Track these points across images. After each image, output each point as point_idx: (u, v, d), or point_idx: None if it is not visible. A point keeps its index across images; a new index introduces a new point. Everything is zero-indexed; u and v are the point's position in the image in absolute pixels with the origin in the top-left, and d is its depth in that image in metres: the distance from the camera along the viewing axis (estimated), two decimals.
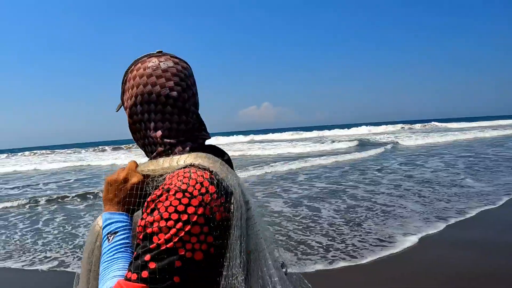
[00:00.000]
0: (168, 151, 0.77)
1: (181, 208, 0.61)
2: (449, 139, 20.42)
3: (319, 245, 4.21)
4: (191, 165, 0.69)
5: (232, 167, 0.82)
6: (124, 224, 0.72)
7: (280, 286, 0.71)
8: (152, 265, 0.60)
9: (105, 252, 0.69)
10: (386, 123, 57.68)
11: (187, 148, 0.77)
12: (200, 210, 0.62)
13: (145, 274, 0.59)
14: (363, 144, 20.22)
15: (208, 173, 0.68)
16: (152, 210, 0.63)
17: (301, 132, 40.23)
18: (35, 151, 37.30)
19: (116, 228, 0.71)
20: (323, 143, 21.81)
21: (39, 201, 7.92)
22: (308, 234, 4.66)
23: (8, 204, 7.82)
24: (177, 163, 0.71)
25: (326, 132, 38.75)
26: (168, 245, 0.60)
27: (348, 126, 48.76)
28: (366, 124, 53.32)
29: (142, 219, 0.64)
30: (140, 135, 0.82)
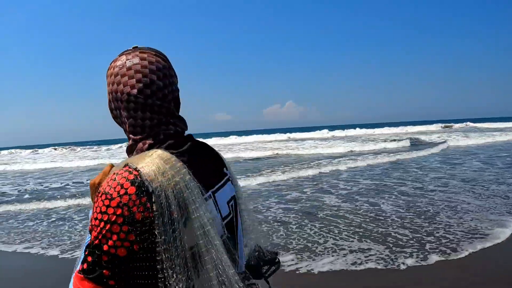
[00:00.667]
0: (134, 147, 0.81)
1: (103, 209, 0.67)
2: (502, 139, 19.14)
3: (406, 237, 4.07)
4: (126, 165, 0.73)
5: (198, 164, 0.80)
6: None
7: (238, 279, 0.72)
8: (89, 259, 0.67)
9: (82, 246, 0.78)
10: (421, 123, 55.21)
11: (146, 145, 0.79)
12: (118, 211, 0.66)
13: (85, 266, 0.67)
14: (415, 144, 18.96)
15: (134, 174, 0.70)
16: (93, 210, 0.71)
17: (336, 130, 38.16)
18: (56, 147, 37.45)
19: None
20: (371, 141, 21.12)
21: None
22: (386, 226, 4.56)
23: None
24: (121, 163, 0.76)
25: (358, 131, 36.72)
26: (95, 242, 0.67)
27: (378, 126, 45.24)
28: (397, 124, 50.10)
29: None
30: (124, 129, 0.86)
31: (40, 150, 34.70)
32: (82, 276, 0.66)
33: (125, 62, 0.81)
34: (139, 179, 0.69)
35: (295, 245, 4.06)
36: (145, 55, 0.82)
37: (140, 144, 0.80)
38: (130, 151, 0.83)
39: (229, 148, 22.71)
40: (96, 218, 0.68)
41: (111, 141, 53.60)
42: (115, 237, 0.66)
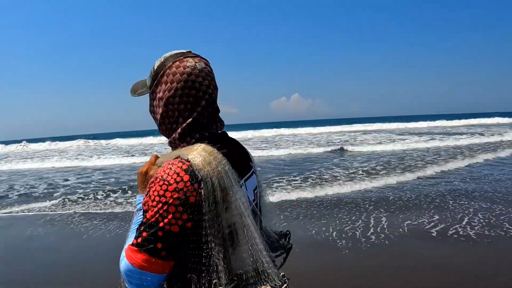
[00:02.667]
0: (186, 139, 0.95)
1: (161, 192, 0.81)
2: None
3: None
4: (178, 157, 0.86)
5: (233, 156, 0.94)
6: None
7: (265, 254, 0.86)
8: (144, 234, 0.81)
9: (133, 223, 0.92)
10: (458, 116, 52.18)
11: (193, 140, 0.94)
12: (175, 195, 0.80)
13: (139, 240, 0.81)
14: None
15: (187, 164, 0.84)
16: (147, 193, 0.84)
17: (363, 124, 37.11)
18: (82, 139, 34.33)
19: (141, 207, 0.89)
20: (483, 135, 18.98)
21: None
22: None
23: None
24: (173, 154, 0.91)
25: (391, 125, 35.13)
26: (152, 220, 0.80)
27: (405, 119, 43.19)
28: (416, 118, 46.73)
29: (144, 198, 0.85)
30: (169, 121, 0.97)
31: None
32: (136, 248, 0.80)
33: (195, 64, 0.94)
34: (191, 168, 0.83)
35: None
36: (206, 62, 0.98)
37: (188, 138, 0.94)
38: (174, 143, 0.96)
39: (284, 140, 21.81)
40: (153, 200, 0.81)
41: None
42: (170, 216, 0.79)
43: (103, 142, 31.72)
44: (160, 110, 0.96)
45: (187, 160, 0.84)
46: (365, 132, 27.84)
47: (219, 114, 1.02)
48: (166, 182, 0.81)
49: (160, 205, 0.80)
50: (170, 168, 0.83)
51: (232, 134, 1.07)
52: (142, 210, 0.86)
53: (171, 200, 0.79)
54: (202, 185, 0.81)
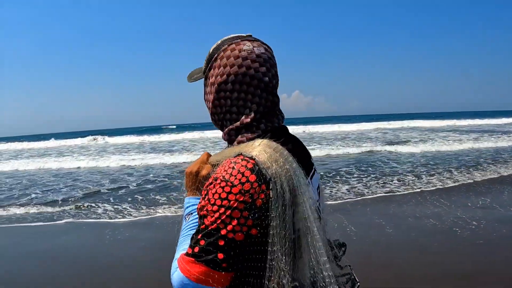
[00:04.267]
0: (245, 133, 0.85)
1: (223, 195, 0.71)
2: None
3: None
4: (239, 154, 0.76)
5: (297, 152, 0.85)
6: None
7: (328, 268, 0.75)
8: (202, 242, 0.71)
9: (182, 229, 0.84)
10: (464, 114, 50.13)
11: (255, 135, 0.83)
12: (240, 198, 0.70)
13: (196, 249, 0.72)
14: None
15: (251, 163, 0.73)
16: (205, 196, 0.74)
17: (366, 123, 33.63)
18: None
19: (192, 210, 0.84)
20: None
21: None
22: None
23: None
24: (232, 152, 0.80)
25: (405, 123, 32.05)
26: (212, 227, 0.71)
27: (407, 117, 41.64)
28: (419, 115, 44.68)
29: (199, 202, 0.76)
30: (221, 110, 0.88)
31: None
32: (193, 259, 0.71)
33: (253, 49, 0.84)
34: (257, 167, 0.73)
35: None
36: (266, 47, 0.88)
37: (247, 132, 0.84)
38: (230, 138, 0.87)
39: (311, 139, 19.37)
40: (214, 204, 0.71)
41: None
42: (234, 222, 0.70)
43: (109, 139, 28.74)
44: (211, 97, 0.88)
45: (252, 158, 0.74)
46: (397, 129, 26.16)
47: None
48: (229, 183, 0.71)
49: (222, 209, 0.71)
50: (233, 167, 0.73)
51: None
52: (193, 215, 0.82)
53: (235, 204, 0.70)
54: (270, 185, 0.72)
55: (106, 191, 7.75)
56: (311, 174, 0.90)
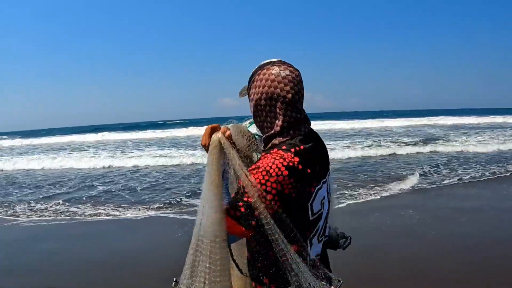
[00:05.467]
0: (277, 134, 1.08)
1: (263, 181, 0.97)
2: None
3: None
4: (280, 149, 1.02)
5: (319, 149, 1.12)
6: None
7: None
8: (242, 209, 0.99)
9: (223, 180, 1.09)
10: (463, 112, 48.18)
11: (287, 138, 1.06)
12: (274, 185, 0.97)
13: (238, 214, 0.99)
14: None
15: (288, 159, 0.99)
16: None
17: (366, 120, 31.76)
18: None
19: (227, 169, 1.10)
20: None
21: None
22: None
23: None
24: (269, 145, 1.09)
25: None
26: (252, 201, 0.97)
27: (406, 114, 39.90)
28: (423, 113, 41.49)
29: (243, 179, 0.99)
30: (260, 119, 1.12)
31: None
32: (236, 222, 1.00)
33: (280, 72, 1.07)
34: (291, 165, 0.98)
35: None
36: (292, 69, 1.09)
37: (280, 138, 1.07)
38: (267, 141, 1.10)
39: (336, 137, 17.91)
40: (255, 186, 0.97)
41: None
42: (267, 202, 0.97)
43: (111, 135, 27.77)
44: (252, 110, 1.14)
45: (288, 152, 1.01)
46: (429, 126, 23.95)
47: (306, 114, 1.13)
48: (268, 174, 0.97)
49: (260, 191, 0.97)
50: (273, 162, 0.98)
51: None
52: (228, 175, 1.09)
53: (269, 189, 0.97)
54: (297, 180, 0.99)
55: None
56: (329, 171, 1.15)
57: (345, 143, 14.23)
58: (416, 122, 28.34)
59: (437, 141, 13.55)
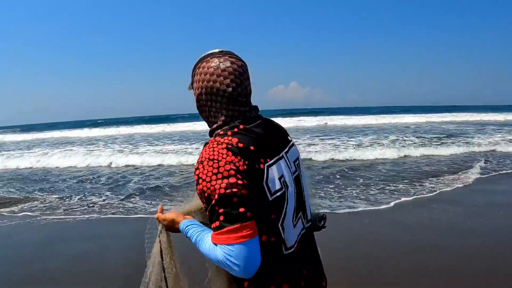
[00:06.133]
0: (220, 127, 1.02)
1: (215, 171, 0.88)
2: None
3: None
4: (216, 136, 0.98)
5: (266, 126, 1.05)
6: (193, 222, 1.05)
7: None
8: (221, 211, 0.86)
9: (192, 235, 0.99)
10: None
11: (230, 125, 1.00)
12: (227, 167, 0.88)
13: (221, 218, 0.87)
14: None
15: (226, 141, 0.93)
16: (199, 180, 0.91)
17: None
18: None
19: (189, 225, 1.03)
20: None
21: None
22: None
23: None
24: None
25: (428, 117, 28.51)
26: (221, 195, 0.86)
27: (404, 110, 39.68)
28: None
29: (197, 189, 0.91)
30: (205, 114, 1.08)
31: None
32: (226, 228, 0.86)
33: (219, 65, 1.00)
34: (229, 147, 0.92)
35: None
36: (233, 59, 1.02)
37: (226, 127, 1.00)
38: (212, 134, 1.05)
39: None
40: (210, 180, 0.89)
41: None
42: (234, 183, 0.88)
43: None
44: (196, 104, 1.09)
45: (222, 143, 0.96)
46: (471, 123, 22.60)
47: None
48: (214, 161, 0.91)
49: (219, 180, 0.89)
50: (213, 150, 0.93)
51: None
52: (193, 225, 1.02)
53: (228, 172, 0.90)
54: (243, 157, 0.92)
55: None
56: (286, 149, 1.06)
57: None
58: (427, 118, 27.58)
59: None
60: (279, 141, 1.05)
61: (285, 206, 0.98)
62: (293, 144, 1.12)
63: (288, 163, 1.03)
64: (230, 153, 0.90)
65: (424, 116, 29.29)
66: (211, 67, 1.00)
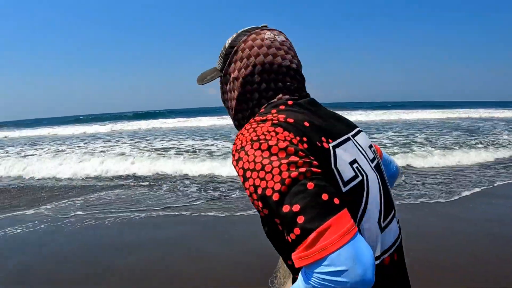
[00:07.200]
0: (273, 104, 0.80)
1: (265, 154, 0.64)
2: None
3: None
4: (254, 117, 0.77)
5: (320, 107, 0.83)
6: None
7: None
8: (296, 208, 0.57)
9: None
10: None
11: (275, 103, 0.80)
12: (282, 144, 0.64)
13: (300, 219, 0.56)
14: None
15: (269, 118, 0.71)
16: (246, 179, 0.65)
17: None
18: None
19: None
20: None
21: None
22: None
23: None
24: None
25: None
26: (287, 185, 0.59)
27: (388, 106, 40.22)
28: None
29: (248, 190, 0.64)
30: (248, 106, 0.83)
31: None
32: (312, 235, 0.55)
33: (275, 37, 0.82)
34: (276, 122, 0.70)
35: None
36: (285, 35, 0.86)
37: (269, 106, 0.80)
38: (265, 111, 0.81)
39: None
40: (270, 171, 0.65)
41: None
42: (299, 167, 0.63)
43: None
44: (236, 93, 0.84)
45: (266, 120, 0.79)
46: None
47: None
48: (260, 141, 0.69)
49: (281, 165, 0.64)
50: (254, 130, 0.73)
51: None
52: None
53: (287, 153, 0.69)
54: (296, 133, 0.73)
55: None
56: (353, 132, 0.82)
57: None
58: (440, 115, 25.51)
59: None
60: (341, 123, 0.81)
61: (363, 200, 0.70)
62: (361, 130, 0.87)
63: (360, 147, 0.79)
64: (279, 129, 0.67)
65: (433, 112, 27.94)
66: (266, 38, 0.81)
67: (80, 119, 42.53)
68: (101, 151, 10.57)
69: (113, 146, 12.02)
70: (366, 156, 0.79)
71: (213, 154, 9.17)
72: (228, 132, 15.52)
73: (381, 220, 0.73)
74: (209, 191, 5.72)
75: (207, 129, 19.04)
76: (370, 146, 0.86)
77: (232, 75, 0.84)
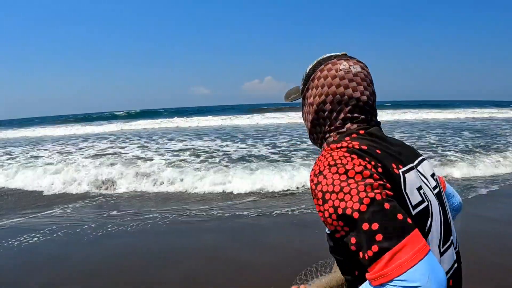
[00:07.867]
0: (342, 137, 0.85)
1: (343, 177, 0.70)
2: None
3: None
4: (330, 143, 0.84)
5: (387, 138, 0.87)
6: None
7: None
8: (375, 226, 0.62)
9: None
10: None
11: (347, 132, 0.85)
12: (358, 169, 0.71)
13: (379, 237, 0.61)
14: None
15: (345, 145, 0.77)
16: (325, 202, 0.71)
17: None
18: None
19: None
20: None
21: None
22: None
23: None
24: None
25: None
26: (365, 205, 0.64)
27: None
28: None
29: (322, 215, 0.71)
30: (321, 130, 0.90)
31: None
32: (388, 252, 0.61)
33: (350, 68, 0.86)
34: (350, 147, 0.77)
35: None
36: (363, 65, 0.89)
37: (342, 135, 0.86)
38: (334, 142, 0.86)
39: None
40: (357, 194, 0.69)
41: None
42: (375, 189, 0.70)
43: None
44: (310, 117, 0.92)
45: (341, 147, 0.85)
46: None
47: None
48: (337, 166, 0.75)
49: (359, 187, 0.71)
50: (330, 155, 0.78)
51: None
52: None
53: (366, 177, 0.74)
54: (370, 158, 0.78)
55: None
56: (416, 161, 0.87)
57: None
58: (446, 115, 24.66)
59: None
60: (406, 151, 0.88)
61: (428, 225, 0.76)
62: (424, 159, 0.93)
63: (423, 176, 0.85)
64: (355, 156, 0.73)
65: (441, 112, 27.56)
66: (341, 69, 0.86)
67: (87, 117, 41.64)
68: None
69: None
70: (428, 183, 0.85)
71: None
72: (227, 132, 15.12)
73: (441, 245, 0.79)
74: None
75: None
76: (433, 175, 0.91)
77: (308, 100, 0.91)
